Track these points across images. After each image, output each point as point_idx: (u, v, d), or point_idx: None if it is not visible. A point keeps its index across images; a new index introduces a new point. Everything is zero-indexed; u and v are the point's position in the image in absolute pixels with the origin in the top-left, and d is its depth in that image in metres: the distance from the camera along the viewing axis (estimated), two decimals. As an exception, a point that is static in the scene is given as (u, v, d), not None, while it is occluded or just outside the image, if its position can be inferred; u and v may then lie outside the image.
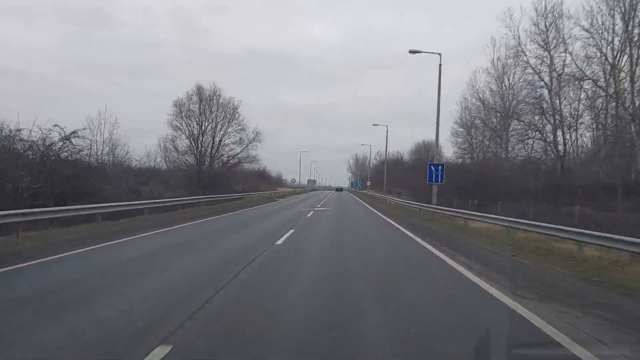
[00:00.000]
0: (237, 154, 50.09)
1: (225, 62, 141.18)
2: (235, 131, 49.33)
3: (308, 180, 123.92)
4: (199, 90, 47.16)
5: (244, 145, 50.04)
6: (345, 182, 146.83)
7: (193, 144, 47.19)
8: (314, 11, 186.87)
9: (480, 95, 45.85)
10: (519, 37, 35.93)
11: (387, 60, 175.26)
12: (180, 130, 47.05)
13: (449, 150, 70.09)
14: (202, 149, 47.56)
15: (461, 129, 48.92)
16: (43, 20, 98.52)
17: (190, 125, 47.18)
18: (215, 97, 47.74)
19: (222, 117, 48.47)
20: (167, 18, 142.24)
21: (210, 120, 47.98)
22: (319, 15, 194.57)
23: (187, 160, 47.30)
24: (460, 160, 50.19)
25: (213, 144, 48.03)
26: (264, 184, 73.30)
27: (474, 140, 49.74)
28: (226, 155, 49.79)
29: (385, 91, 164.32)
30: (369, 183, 72.38)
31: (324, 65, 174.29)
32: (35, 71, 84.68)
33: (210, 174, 47.08)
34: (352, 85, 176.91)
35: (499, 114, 44.89)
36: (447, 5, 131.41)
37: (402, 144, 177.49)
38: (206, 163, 47.95)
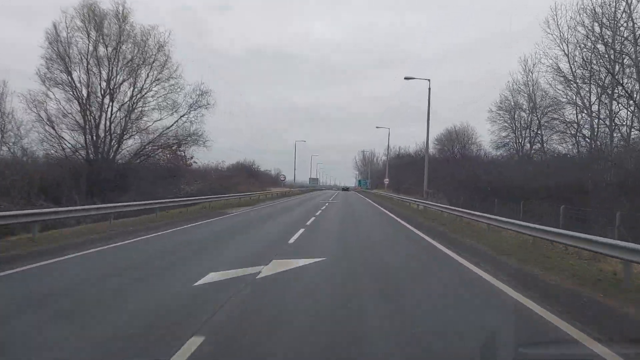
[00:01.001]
0: (169, 128, 28.54)
1: (226, 62, 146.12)
2: (163, 88, 27.94)
3: (310, 178, 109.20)
4: (90, 10, 25.68)
5: (182, 113, 28.65)
6: (351, 181, 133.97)
7: (82, 111, 25.79)
8: (315, 11, 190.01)
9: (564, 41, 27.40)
10: None
11: (388, 60, 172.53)
12: (59, 84, 25.66)
13: (485, 138, 54.13)
14: (97, 117, 26.10)
15: (501, 112, 39.55)
16: (43, 21, 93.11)
17: (75, 74, 25.80)
18: (119, 23, 26.21)
19: (137, 61, 27.02)
20: (169, 17, 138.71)
21: (116, 66, 26.57)
22: (320, 15, 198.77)
23: (64, 139, 25.83)
24: (501, 151, 41.10)
25: (112, 110, 26.56)
26: (252, 183, 52.08)
27: (520, 122, 38.53)
28: (147, 131, 28.19)
29: (386, 90, 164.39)
30: (386, 181, 50.69)
31: (325, 65, 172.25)
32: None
33: (111, 167, 25.85)
34: (354, 84, 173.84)
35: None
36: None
37: (407, 143, 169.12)
38: (108, 145, 26.57)
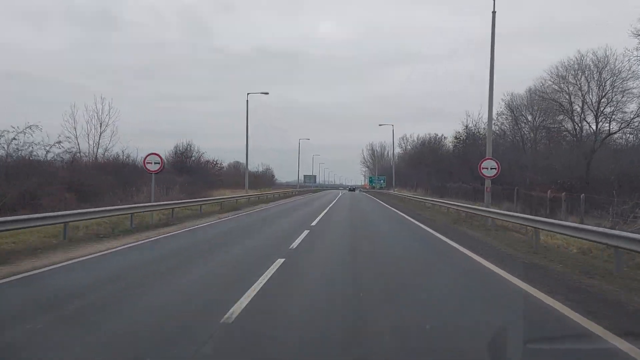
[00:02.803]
0: None
1: (234, 61, 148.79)
2: None
3: (305, 175, 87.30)
4: None
5: None
6: (358, 179, 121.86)
7: None
8: (322, 9, 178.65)
9: None
10: None
11: (396, 57, 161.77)
12: None
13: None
14: None
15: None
16: (49, 23, 78.88)
17: None
18: None
19: None
20: (176, 19, 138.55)
21: None
22: (327, 13, 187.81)
23: None
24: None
25: None
26: (198, 189, 27.07)
27: None
28: None
29: (394, 88, 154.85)
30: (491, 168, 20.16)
31: (332, 63, 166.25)
32: (44, 74, 72.70)
33: None
34: (361, 82, 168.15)
35: None
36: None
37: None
38: None
